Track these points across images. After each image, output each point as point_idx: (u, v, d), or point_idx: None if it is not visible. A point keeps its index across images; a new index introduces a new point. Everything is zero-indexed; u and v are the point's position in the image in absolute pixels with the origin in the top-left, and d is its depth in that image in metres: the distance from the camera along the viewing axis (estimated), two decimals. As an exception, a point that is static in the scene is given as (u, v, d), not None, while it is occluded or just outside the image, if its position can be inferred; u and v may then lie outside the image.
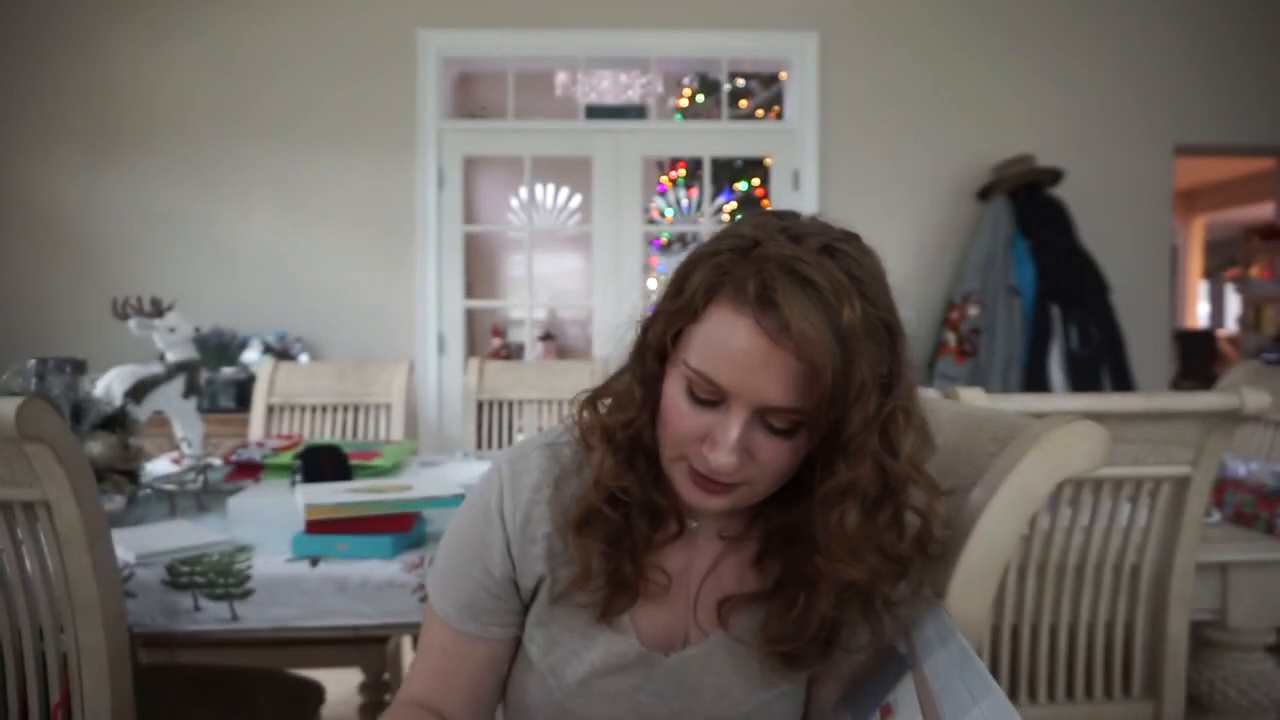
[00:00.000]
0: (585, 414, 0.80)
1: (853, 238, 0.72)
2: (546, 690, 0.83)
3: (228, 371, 3.38)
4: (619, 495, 0.77)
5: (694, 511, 0.79)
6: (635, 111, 4.11)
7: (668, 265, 5.10)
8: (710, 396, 0.70)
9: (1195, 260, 8.85)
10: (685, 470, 0.73)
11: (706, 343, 0.69)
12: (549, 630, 0.82)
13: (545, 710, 0.84)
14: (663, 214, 5.26)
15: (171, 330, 1.96)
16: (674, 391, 0.72)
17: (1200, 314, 9.29)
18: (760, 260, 0.67)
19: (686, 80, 4.98)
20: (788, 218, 0.73)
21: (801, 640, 0.76)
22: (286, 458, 1.77)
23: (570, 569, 0.80)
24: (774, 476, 0.72)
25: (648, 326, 0.76)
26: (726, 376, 0.68)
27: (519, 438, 2.60)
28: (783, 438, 0.70)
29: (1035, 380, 3.32)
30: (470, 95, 5.03)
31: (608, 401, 0.79)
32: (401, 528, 1.28)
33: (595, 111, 3.97)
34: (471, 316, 4.19)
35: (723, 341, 0.68)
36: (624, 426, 0.76)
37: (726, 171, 4.91)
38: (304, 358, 3.53)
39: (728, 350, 0.68)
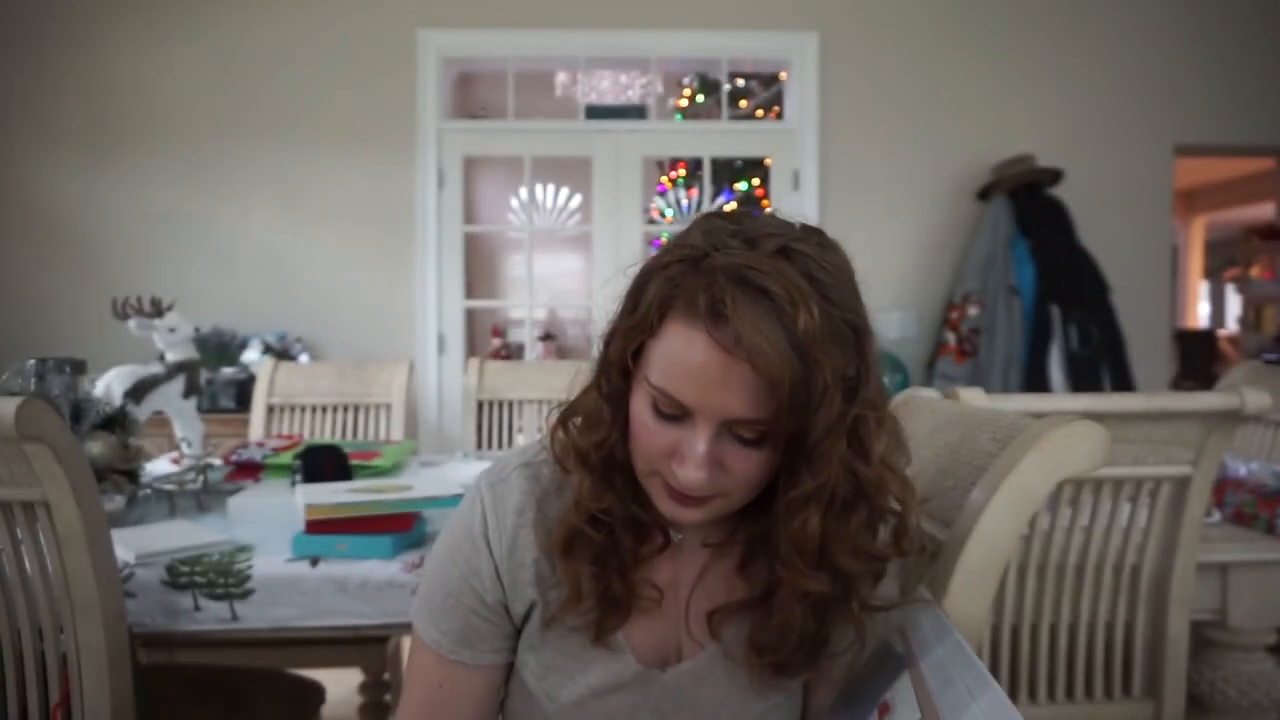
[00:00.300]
0: (559, 434, 0.78)
1: (813, 234, 0.70)
2: (543, 714, 0.82)
3: (228, 371, 3.38)
4: (600, 516, 0.75)
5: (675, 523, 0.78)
6: (635, 111, 4.10)
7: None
8: (675, 411, 0.68)
9: (1195, 260, 8.84)
10: (660, 485, 0.73)
11: (665, 359, 0.68)
12: (541, 655, 0.81)
13: None
14: (663, 214, 5.26)
15: (171, 330, 1.96)
16: (640, 408, 0.71)
17: (1201, 314, 9.28)
18: (710, 272, 0.65)
19: (686, 80, 4.98)
20: (743, 220, 0.70)
21: (785, 649, 0.75)
22: (286, 458, 1.77)
23: (560, 591, 0.78)
24: (748, 486, 0.71)
25: (609, 342, 0.74)
26: (687, 392, 0.67)
27: (519, 438, 2.60)
28: (753, 448, 0.69)
29: (1035, 380, 3.31)
30: (470, 95, 5.03)
31: (579, 420, 0.78)
32: (401, 528, 1.28)
33: (595, 111, 3.97)
34: (471, 316, 4.19)
35: (680, 357, 0.67)
36: (597, 447, 0.75)
37: (726, 171, 4.90)
38: (304, 358, 3.53)
39: (685, 366, 0.66)
